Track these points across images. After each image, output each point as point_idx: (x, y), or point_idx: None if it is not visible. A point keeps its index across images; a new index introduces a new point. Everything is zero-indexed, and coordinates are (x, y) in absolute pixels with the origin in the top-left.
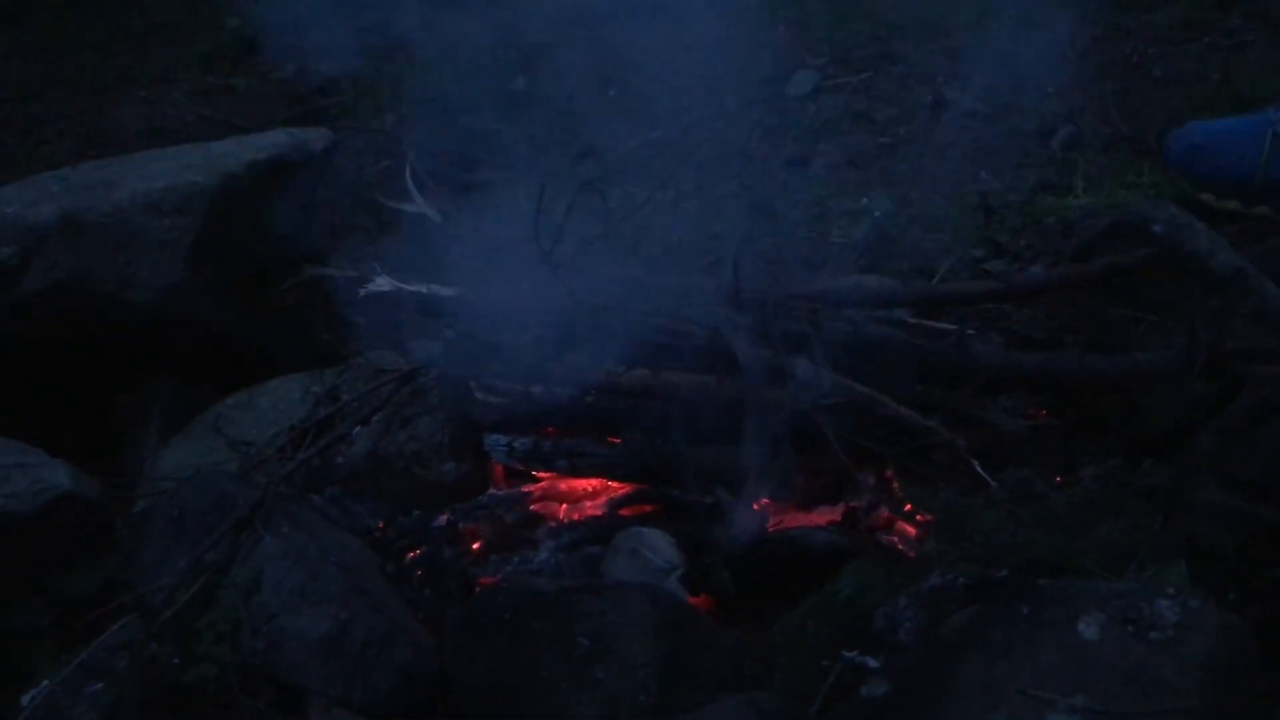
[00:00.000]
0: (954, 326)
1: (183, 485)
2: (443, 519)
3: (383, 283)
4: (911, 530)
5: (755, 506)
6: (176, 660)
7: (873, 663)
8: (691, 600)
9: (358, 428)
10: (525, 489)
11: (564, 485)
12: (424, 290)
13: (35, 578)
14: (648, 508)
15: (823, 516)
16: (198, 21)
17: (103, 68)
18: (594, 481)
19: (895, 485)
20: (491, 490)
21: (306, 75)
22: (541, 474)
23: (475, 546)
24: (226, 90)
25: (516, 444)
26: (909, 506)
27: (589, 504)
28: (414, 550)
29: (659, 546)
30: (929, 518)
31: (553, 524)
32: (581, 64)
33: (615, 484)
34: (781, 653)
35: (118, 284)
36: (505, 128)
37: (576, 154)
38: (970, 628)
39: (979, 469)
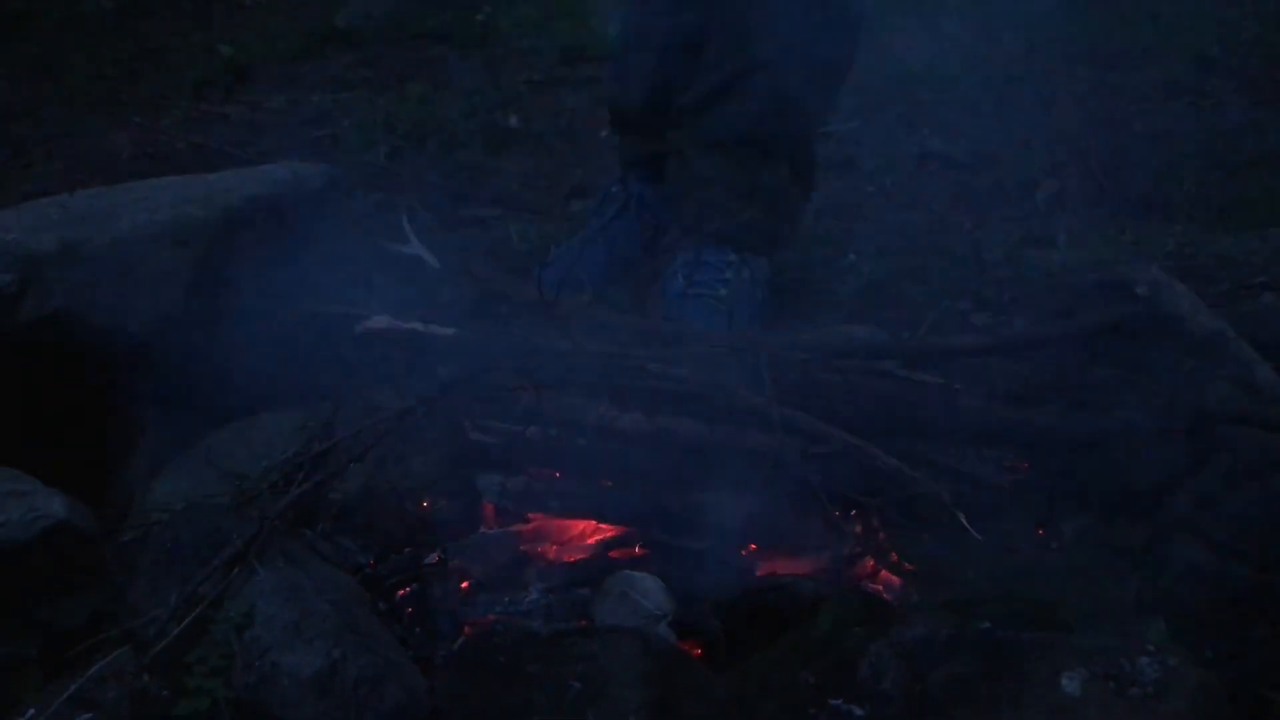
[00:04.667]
0: (940, 379)
1: (175, 517)
2: (434, 557)
3: (379, 320)
4: (896, 580)
5: (744, 553)
6: (167, 693)
7: (859, 712)
8: (681, 645)
9: (352, 464)
10: (516, 529)
11: (555, 526)
12: (420, 328)
13: (24, 607)
14: (638, 551)
15: (810, 565)
16: (190, 48)
17: (94, 92)
18: (585, 523)
19: (880, 535)
20: (482, 529)
21: (299, 106)
22: (532, 514)
23: (465, 586)
24: (219, 119)
25: (508, 484)
26: (894, 557)
27: (579, 546)
28: (405, 588)
29: (649, 590)
30: (912, 567)
31: (543, 565)
32: (574, 103)
33: (606, 526)
34: (769, 700)
35: (115, 314)
36: (497, 163)
37: (567, 193)
38: (955, 681)
39: (963, 521)
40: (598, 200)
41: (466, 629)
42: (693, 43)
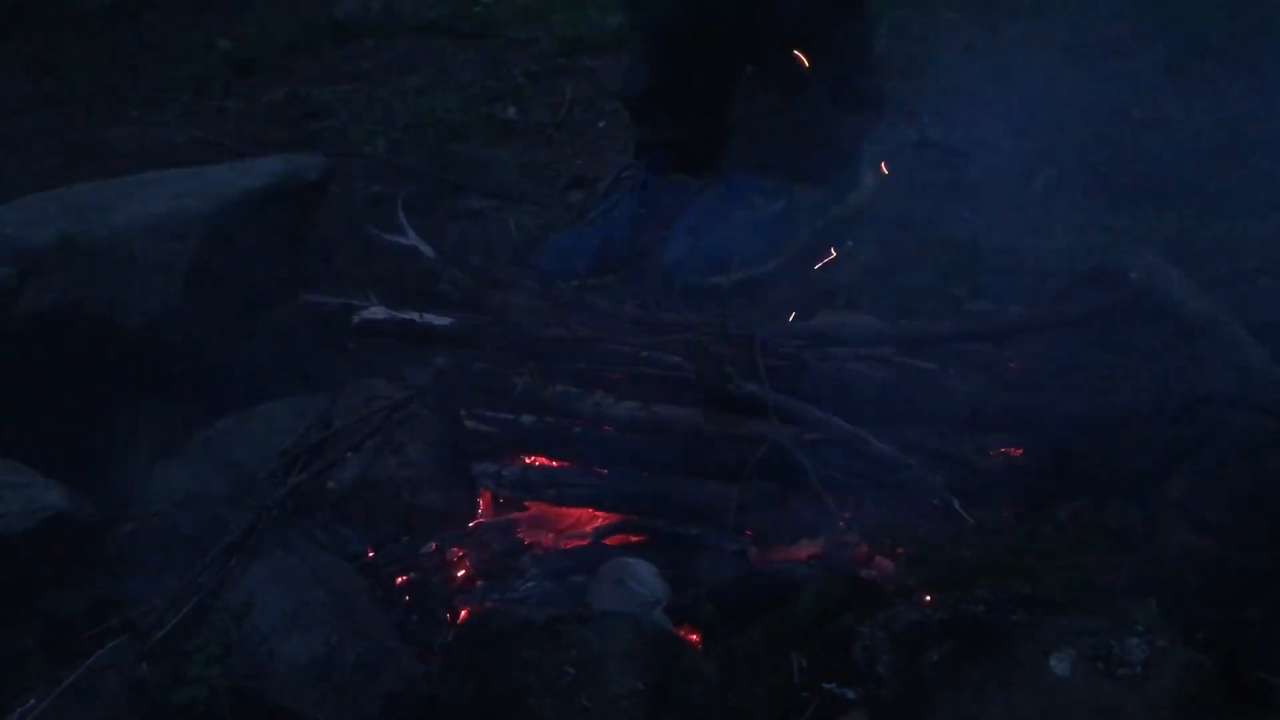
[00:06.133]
0: (935, 366)
1: (174, 507)
2: (431, 546)
3: (376, 311)
4: (889, 564)
5: (739, 540)
6: (166, 681)
7: (851, 695)
8: (675, 631)
9: (349, 453)
10: (512, 517)
11: (551, 514)
12: (417, 318)
13: (24, 597)
14: (634, 538)
15: (804, 551)
16: (189, 43)
17: (93, 87)
18: (581, 511)
19: (873, 520)
20: (479, 518)
21: (298, 99)
22: (528, 502)
23: (462, 573)
24: (218, 112)
25: (505, 472)
26: (887, 541)
27: (575, 533)
28: (402, 576)
29: (644, 577)
30: (904, 551)
31: (539, 553)
32: (573, 94)
33: (602, 514)
34: (762, 684)
35: (113, 307)
36: (496, 155)
37: (566, 184)
38: (946, 664)
39: (956, 506)
40: (607, 183)
41: (463, 616)
42: (691, 33)
